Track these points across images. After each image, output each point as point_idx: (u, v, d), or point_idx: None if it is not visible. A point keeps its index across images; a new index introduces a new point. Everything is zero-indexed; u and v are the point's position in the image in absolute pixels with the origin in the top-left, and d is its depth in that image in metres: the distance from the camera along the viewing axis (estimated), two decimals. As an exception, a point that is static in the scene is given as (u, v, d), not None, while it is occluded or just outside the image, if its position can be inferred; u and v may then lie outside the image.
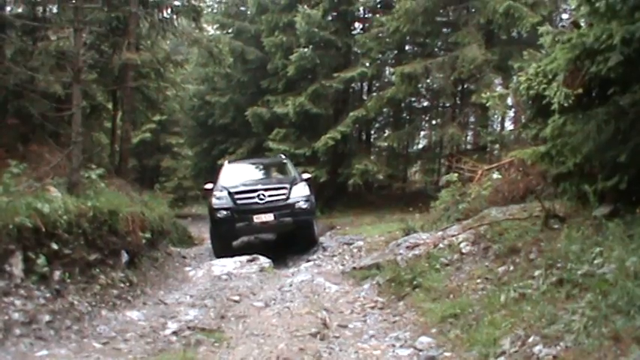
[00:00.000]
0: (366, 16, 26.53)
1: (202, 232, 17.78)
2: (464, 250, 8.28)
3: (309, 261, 12.88)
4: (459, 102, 24.27)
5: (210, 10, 28.78)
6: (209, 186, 14.31)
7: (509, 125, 24.92)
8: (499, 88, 17.82)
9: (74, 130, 9.73)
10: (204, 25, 21.97)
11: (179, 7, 17.84)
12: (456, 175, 12.93)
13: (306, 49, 22.65)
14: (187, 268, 11.24)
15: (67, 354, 5.64)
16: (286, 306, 7.78)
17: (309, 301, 8.10)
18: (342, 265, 11.71)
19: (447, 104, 25.31)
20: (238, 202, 13.19)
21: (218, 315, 7.39)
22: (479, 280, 7.10)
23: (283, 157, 17.32)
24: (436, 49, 24.04)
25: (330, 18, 24.72)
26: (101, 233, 7.97)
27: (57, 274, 6.72)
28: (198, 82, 31.34)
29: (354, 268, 10.54)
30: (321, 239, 15.67)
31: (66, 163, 10.41)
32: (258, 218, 13.02)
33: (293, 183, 13.77)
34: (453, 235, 9.04)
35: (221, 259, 11.69)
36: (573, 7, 8.07)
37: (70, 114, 10.03)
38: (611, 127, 6.23)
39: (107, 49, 16.54)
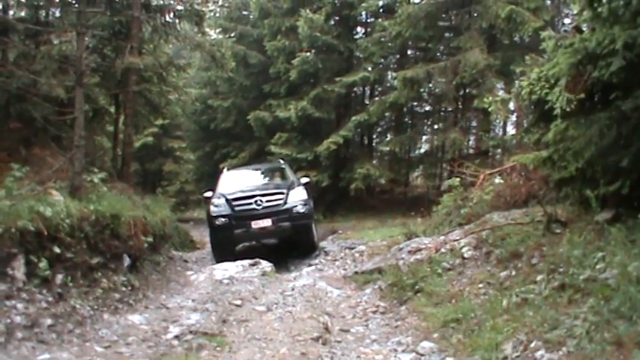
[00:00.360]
0: (369, 20, 26.52)
1: (204, 236, 17.75)
2: (466, 255, 8.28)
3: (310, 265, 12.88)
4: (461, 107, 24.25)
5: (212, 14, 28.70)
6: (209, 194, 14.36)
7: (511, 130, 24.88)
8: (501, 93, 17.88)
9: (76, 133, 9.75)
10: (207, 30, 22.00)
11: (182, 12, 17.84)
12: (458, 179, 12.92)
13: (308, 54, 22.64)
14: (189, 272, 11.24)
15: (69, 357, 5.64)
16: (288, 310, 7.78)
17: (311, 306, 8.11)
18: (344, 269, 11.71)
19: (449, 109, 25.30)
20: (236, 208, 13.20)
21: (220, 319, 7.39)
22: (481, 285, 7.10)
23: (282, 161, 17.31)
24: (438, 54, 24.03)
25: (332, 22, 24.72)
26: (103, 237, 7.98)
27: (59, 277, 6.72)
28: (201, 86, 31.34)
29: (356, 272, 10.55)
30: (323, 243, 15.68)
31: (68, 166, 10.42)
32: (256, 224, 13.02)
33: (290, 188, 13.75)
34: (455, 240, 9.03)
35: (223, 263, 11.67)
36: (575, 11, 8.11)
37: (73, 118, 10.05)
38: (613, 132, 6.23)
39: (110, 53, 16.56)
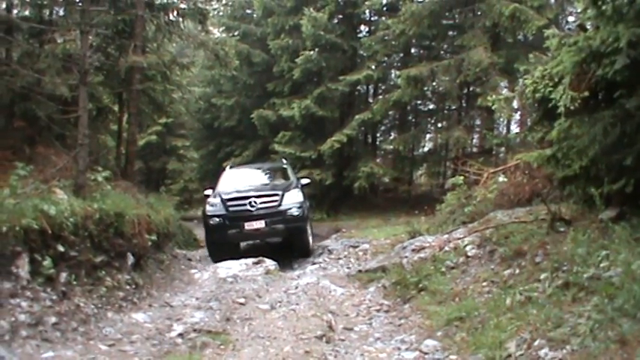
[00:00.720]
0: (372, 18, 26.53)
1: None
2: (469, 253, 8.28)
3: (314, 264, 12.87)
4: (464, 105, 24.24)
5: (216, 12, 28.72)
6: (209, 192, 14.39)
7: (515, 128, 24.83)
8: (505, 91, 17.84)
9: (80, 132, 9.77)
10: (211, 28, 21.98)
11: (185, 10, 17.83)
12: (462, 178, 12.90)
13: (311, 52, 22.64)
14: (193, 271, 11.25)
15: (73, 356, 5.65)
16: (292, 308, 7.79)
17: (315, 304, 8.11)
18: (348, 267, 11.72)
19: (453, 107, 25.26)
20: (230, 209, 13.19)
21: (224, 317, 7.40)
22: (484, 283, 7.10)
23: (284, 161, 17.30)
24: (442, 52, 24.01)
25: (335, 21, 24.74)
26: (107, 235, 8.00)
27: (63, 276, 6.74)
28: (204, 85, 31.36)
29: (360, 270, 10.56)
30: (327, 242, 15.68)
31: (72, 165, 10.44)
32: (250, 225, 12.99)
33: (286, 189, 13.72)
34: (458, 238, 9.03)
35: (226, 262, 11.68)
36: (579, 10, 8.09)
37: (77, 116, 10.06)
38: (617, 130, 6.22)
39: (113, 51, 16.53)
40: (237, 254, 12.99)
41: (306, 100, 22.98)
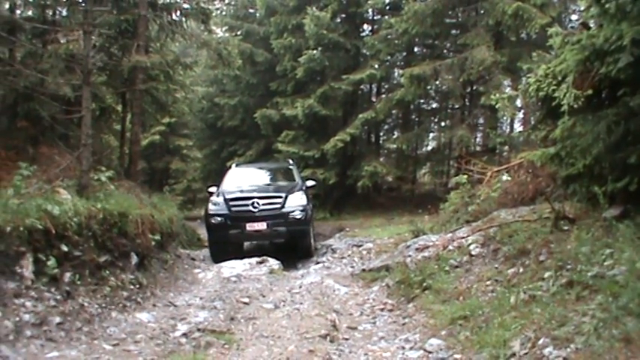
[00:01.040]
0: (375, 17, 26.55)
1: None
2: (473, 252, 8.26)
3: (318, 263, 12.87)
4: (468, 104, 24.24)
5: (219, 12, 28.78)
6: (212, 189, 14.38)
7: (518, 127, 24.90)
8: (508, 90, 17.74)
9: (84, 132, 9.78)
10: (213, 28, 21.99)
11: (188, 10, 17.87)
12: (465, 176, 12.88)
13: (314, 51, 22.66)
14: (197, 270, 11.26)
15: (77, 355, 5.66)
16: (296, 308, 7.79)
17: (319, 303, 8.11)
18: (352, 267, 11.71)
19: (456, 106, 25.28)
20: (233, 209, 13.19)
21: (228, 317, 7.40)
22: (488, 282, 7.08)
23: (291, 162, 17.24)
24: (445, 51, 24.06)
25: (338, 20, 24.78)
26: (111, 235, 8.00)
27: (67, 275, 6.74)
28: (208, 85, 31.41)
29: (364, 270, 10.55)
30: (330, 241, 15.69)
31: (76, 165, 10.46)
32: (251, 226, 12.97)
33: (290, 192, 13.69)
34: (462, 237, 9.02)
35: (230, 261, 11.69)
36: (583, 8, 8.08)
37: (80, 116, 10.08)
38: (621, 129, 6.21)
39: (116, 51, 16.58)
40: (240, 254, 13.01)
41: (310, 99, 23.03)
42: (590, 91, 6.59)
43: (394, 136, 27.67)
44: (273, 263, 11.52)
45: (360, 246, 13.61)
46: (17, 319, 5.60)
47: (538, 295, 5.73)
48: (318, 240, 16.12)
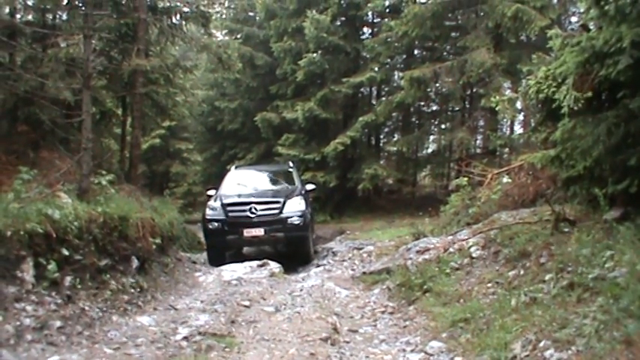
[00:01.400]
0: (375, 20, 26.58)
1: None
2: (474, 255, 8.27)
3: (319, 266, 12.87)
4: (468, 106, 24.30)
5: (219, 15, 28.78)
6: (211, 192, 14.34)
7: (518, 129, 24.85)
8: (508, 92, 17.84)
9: (84, 136, 9.78)
10: (213, 31, 21.94)
11: (188, 14, 17.85)
12: (466, 179, 12.90)
13: (314, 54, 22.70)
14: (197, 274, 11.25)
15: (78, 359, 5.66)
16: (297, 311, 7.79)
17: (320, 306, 8.11)
18: (353, 269, 11.71)
19: (456, 108, 25.32)
20: (230, 214, 13.12)
21: (229, 320, 7.39)
22: (489, 285, 7.09)
23: (291, 164, 17.01)
24: (445, 54, 24.06)
25: (338, 23, 24.77)
26: (111, 239, 8.01)
27: (68, 279, 6.74)
28: (208, 88, 31.37)
29: (364, 272, 10.56)
30: (331, 244, 15.72)
31: (76, 169, 10.45)
32: (249, 232, 12.89)
33: (288, 197, 13.56)
34: (463, 240, 9.03)
35: (231, 264, 11.68)
36: (582, 10, 8.09)
37: (80, 120, 10.08)
38: (621, 131, 6.21)
39: (116, 55, 16.57)
40: (239, 258, 12.99)
41: (310, 102, 23.05)
42: (590, 93, 6.60)
43: (394, 139, 27.67)
44: (274, 266, 11.51)
45: (361, 249, 13.61)
46: (18, 323, 5.59)
47: (539, 297, 5.73)
48: (318, 243, 16.12)
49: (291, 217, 13.10)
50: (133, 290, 8.15)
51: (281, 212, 13.11)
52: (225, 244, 13.26)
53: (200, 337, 6.58)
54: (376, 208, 23.90)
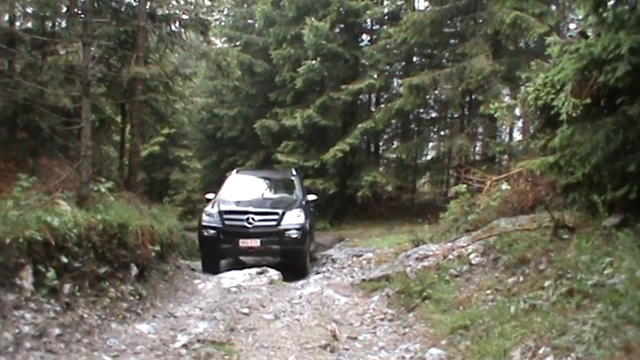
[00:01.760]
0: (374, 27, 26.63)
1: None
2: (473, 261, 8.27)
3: (318, 273, 12.85)
4: (467, 113, 24.28)
5: (218, 23, 28.80)
6: (210, 195, 14.19)
7: (517, 136, 24.87)
8: (507, 99, 17.84)
9: (83, 143, 9.77)
10: (213, 39, 21.97)
11: (187, 21, 17.85)
12: (465, 186, 12.92)
13: (314, 62, 22.73)
14: (197, 281, 11.22)
15: (77, 367, 5.65)
16: (296, 318, 7.78)
17: (319, 314, 8.11)
18: (352, 277, 11.70)
19: (456, 115, 25.29)
20: (226, 222, 12.87)
21: (228, 327, 7.38)
22: (489, 291, 7.09)
23: (294, 172, 16.64)
24: (444, 61, 24.09)
25: (337, 30, 24.85)
26: (111, 246, 7.99)
27: (67, 287, 6.73)
28: (207, 95, 31.33)
29: (364, 279, 10.54)
30: (331, 251, 15.71)
31: (75, 176, 10.43)
32: (244, 242, 12.67)
33: (287, 208, 13.30)
34: (462, 247, 9.03)
35: (230, 272, 11.64)
36: (581, 17, 8.12)
37: (79, 128, 10.06)
38: (620, 137, 6.22)
39: (116, 62, 16.58)
40: (236, 266, 12.90)
41: (309, 109, 23.08)
42: (588, 100, 6.61)
43: (393, 146, 27.72)
44: (273, 274, 11.48)
45: (360, 256, 13.59)
46: (17, 330, 5.58)
47: (538, 304, 5.73)
48: (318, 250, 16.08)
49: (289, 229, 12.81)
50: (132, 298, 8.13)
51: (279, 224, 12.85)
52: (219, 252, 13.04)
53: (199, 344, 6.57)
54: (375, 215, 23.89)
